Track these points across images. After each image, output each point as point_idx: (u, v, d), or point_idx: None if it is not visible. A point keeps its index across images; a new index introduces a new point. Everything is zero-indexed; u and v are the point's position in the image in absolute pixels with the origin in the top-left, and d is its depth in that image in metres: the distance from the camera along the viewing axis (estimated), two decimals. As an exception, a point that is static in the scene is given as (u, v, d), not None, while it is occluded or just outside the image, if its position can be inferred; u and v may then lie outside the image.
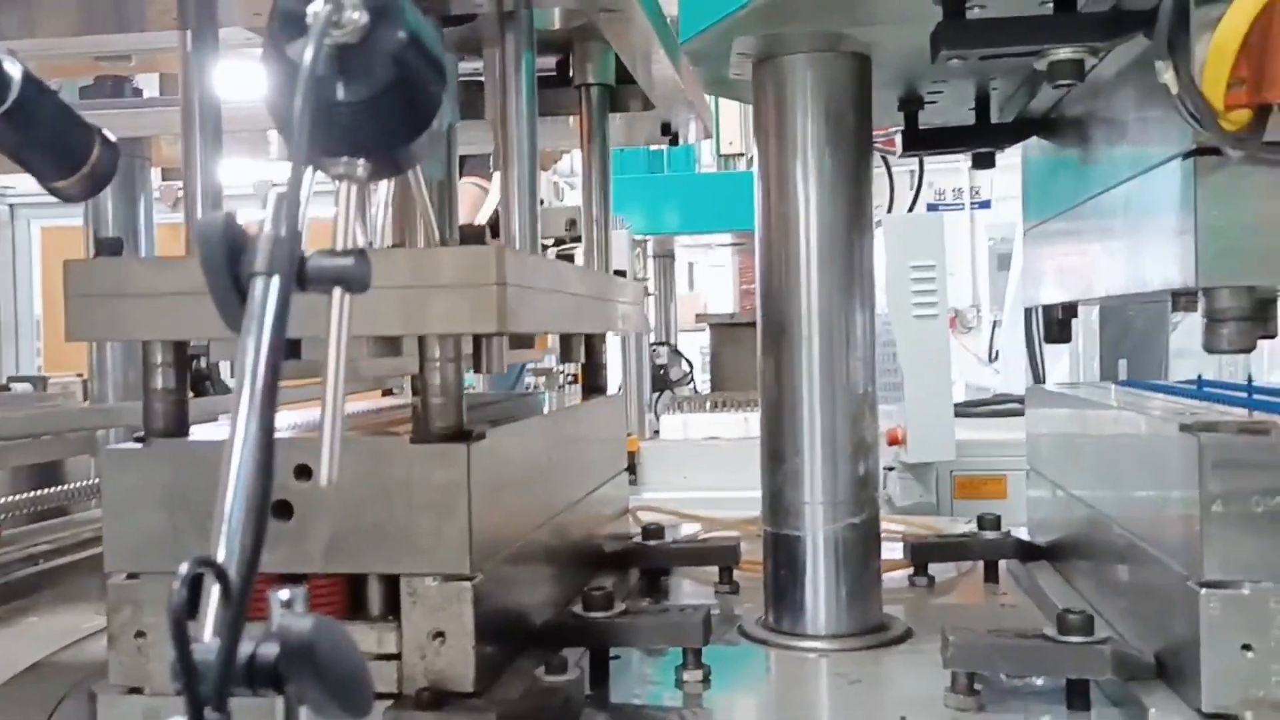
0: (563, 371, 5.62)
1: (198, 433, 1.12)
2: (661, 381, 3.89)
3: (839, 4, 1.19)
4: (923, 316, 2.82)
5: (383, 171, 0.62)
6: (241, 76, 1.79)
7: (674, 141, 2.07)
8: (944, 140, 1.68)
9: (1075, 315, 1.67)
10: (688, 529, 1.99)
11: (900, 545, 1.66)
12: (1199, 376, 1.49)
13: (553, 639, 1.17)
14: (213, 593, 0.51)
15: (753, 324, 1.42)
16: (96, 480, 1.59)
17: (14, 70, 0.96)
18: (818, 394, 1.33)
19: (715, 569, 1.62)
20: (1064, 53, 1.08)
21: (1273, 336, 1.40)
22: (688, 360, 4.18)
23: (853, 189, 1.35)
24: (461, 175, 1.96)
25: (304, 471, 1.01)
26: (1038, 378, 3.35)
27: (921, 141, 1.65)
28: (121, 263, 1.08)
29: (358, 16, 0.55)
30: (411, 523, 1.01)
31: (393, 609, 1.02)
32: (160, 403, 1.08)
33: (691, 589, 1.64)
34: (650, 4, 1.45)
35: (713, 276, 7.63)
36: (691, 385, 4.19)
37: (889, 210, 3.66)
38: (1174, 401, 1.31)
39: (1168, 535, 1.04)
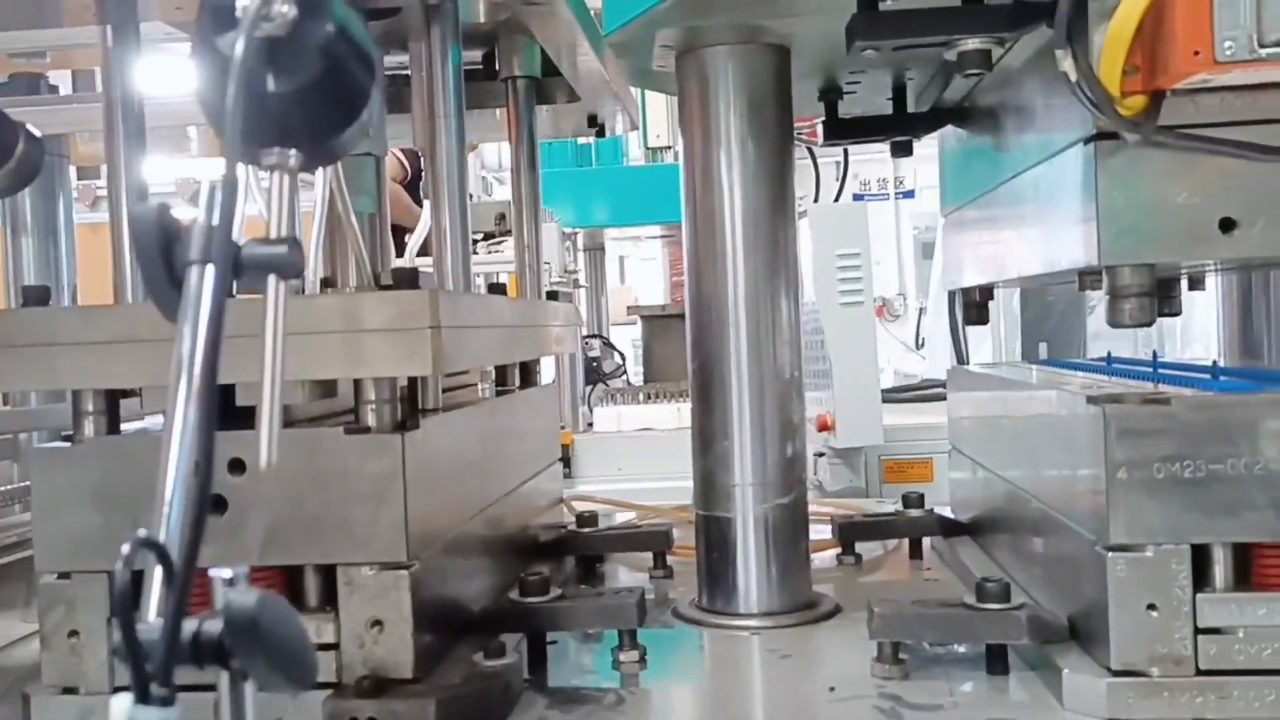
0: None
1: (128, 429, 1.12)
2: (594, 374, 3.91)
3: (758, -3, 1.22)
4: (849, 304, 2.88)
5: (314, 162, 0.63)
6: (162, 72, 1.78)
7: (601, 133, 2.09)
8: (863, 129, 1.72)
9: (992, 298, 1.73)
10: (622, 517, 2.02)
11: (828, 526, 1.70)
12: (1108, 354, 1.56)
13: (490, 625, 1.19)
14: (155, 575, 0.52)
15: (683, 315, 1.45)
16: (18, 485, 1.57)
17: (-68, 68, 0.95)
18: (745, 378, 1.37)
19: (649, 555, 1.65)
20: (972, 43, 1.12)
21: (1177, 314, 1.47)
22: (620, 353, 4.21)
23: (775, 177, 1.38)
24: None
25: (237, 465, 1.02)
26: (961, 360, 3.43)
27: (842, 131, 1.70)
28: (48, 312, 1.08)
29: (286, 9, 0.57)
30: (347, 513, 1.02)
31: (330, 599, 1.03)
32: None
33: (626, 575, 1.66)
34: (574, -3, 1.47)
35: (643, 269, 7.67)
36: (624, 377, 4.21)
37: (815, 200, 3.71)
38: (1084, 377, 1.37)
39: (1077, 504, 1.09)
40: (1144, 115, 0.95)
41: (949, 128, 1.71)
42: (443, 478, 1.17)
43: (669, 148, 4.20)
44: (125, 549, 0.48)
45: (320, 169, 1.09)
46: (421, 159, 1.47)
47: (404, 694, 1.00)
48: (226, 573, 0.53)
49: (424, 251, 3.11)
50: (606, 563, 1.70)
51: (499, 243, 3.43)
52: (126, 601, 0.47)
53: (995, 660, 1.13)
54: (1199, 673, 0.97)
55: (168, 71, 1.87)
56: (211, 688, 0.54)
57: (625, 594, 1.23)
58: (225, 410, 0.57)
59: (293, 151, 0.63)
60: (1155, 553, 0.98)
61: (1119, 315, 1.03)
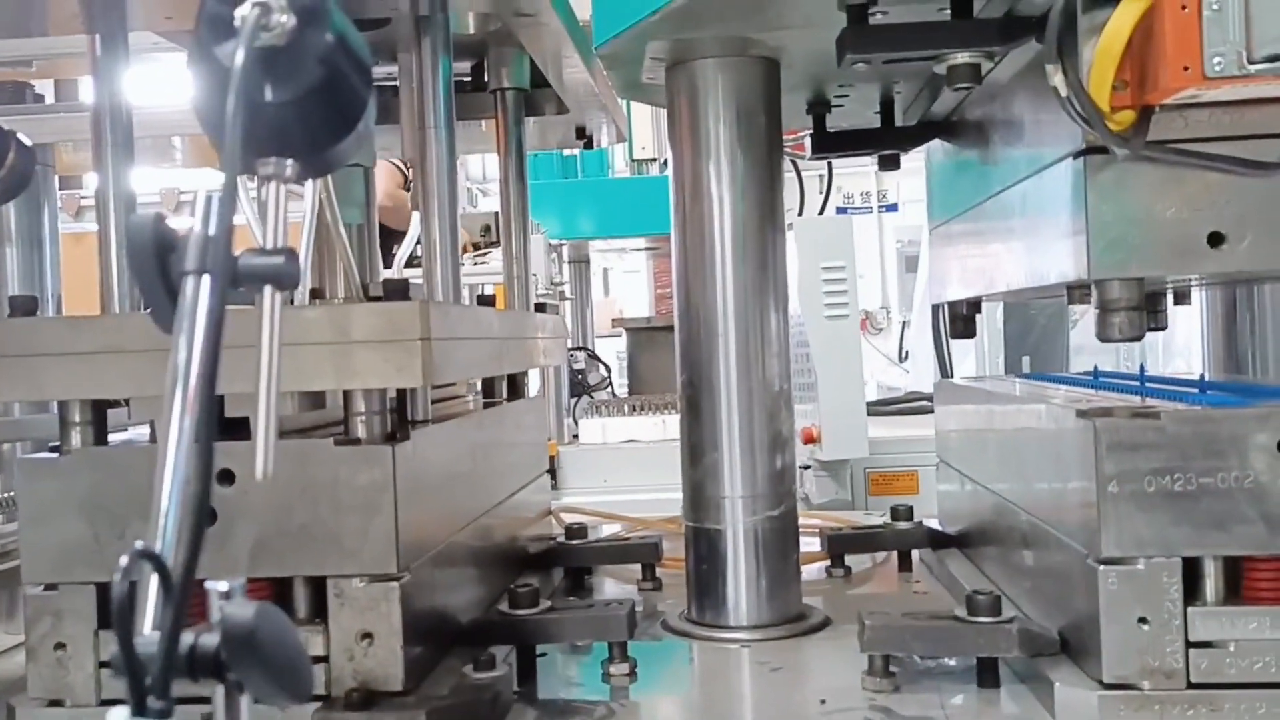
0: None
1: (116, 440, 1.11)
2: (579, 386, 3.91)
3: (748, 9, 1.23)
4: (834, 317, 2.89)
5: (310, 172, 0.63)
6: (147, 81, 1.77)
7: (589, 145, 2.09)
8: (851, 143, 1.73)
9: (979, 311, 1.73)
10: (609, 529, 2.01)
11: (817, 538, 1.71)
12: (1095, 367, 1.56)
13: (480, 637, 1.19)
14: (151, 587, 0.51)
15: (669, 328, 1.45)
16: (3, 495, 1.55)
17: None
18: (735, 390, 1.37)
19: (638, 566, 1.64)
20: (962, 57, 1.13)
21: (1163, 328, 1.48)
22: (605, 365, 4.21)
23: (765, 189, 1.39)
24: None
25: (227, 476, 1.01)
26: (945, 373, 3.45)
27: (830, 144, 1.70)
28: (35, 323, 1.07)
29: (285, 19, 0.57)
30: (337, 524, 1.02)
31: (319, 611, 1.03)
32: None
33: (615, 587, 1.66)
34: (564, 8, 1.47)
35: (628, 281, 7.67)
36: (609, 389, 4.21)
37: (799, 213, 3.72)
38: (1072, 391, 1.38)
39: (1068, 517, 1.10)
40: (1133, 130, 0.95)
41: (936, 141, 1.72)
42: (432, 489, 1.17)
43: (654, 160, 4.21)
44: (123, 560, 0.47)
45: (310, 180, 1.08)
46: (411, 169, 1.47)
47: (394, 706, 1.00)
48: (223, 585, 0.52)
49: (410, 263, 3.11)
50: (595, 574, 1.69)
51: (485, 254, 3.43)
52: (125, 614, 0.47)
53: (986, 673, 1.13)
54: (1190, 686, 0.97)
55: (153, 80, 1.86)
56: (205, 700, 0.54)
57: (615, 606, 1.23)
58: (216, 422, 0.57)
59: (289, 161, 0.63)
60: (1146, 566, 0.98)
61: (1108, 330, 1.04)
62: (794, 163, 3.51)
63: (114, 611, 0.46)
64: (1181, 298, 1.54)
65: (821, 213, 3.89)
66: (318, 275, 1.39)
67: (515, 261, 1.73)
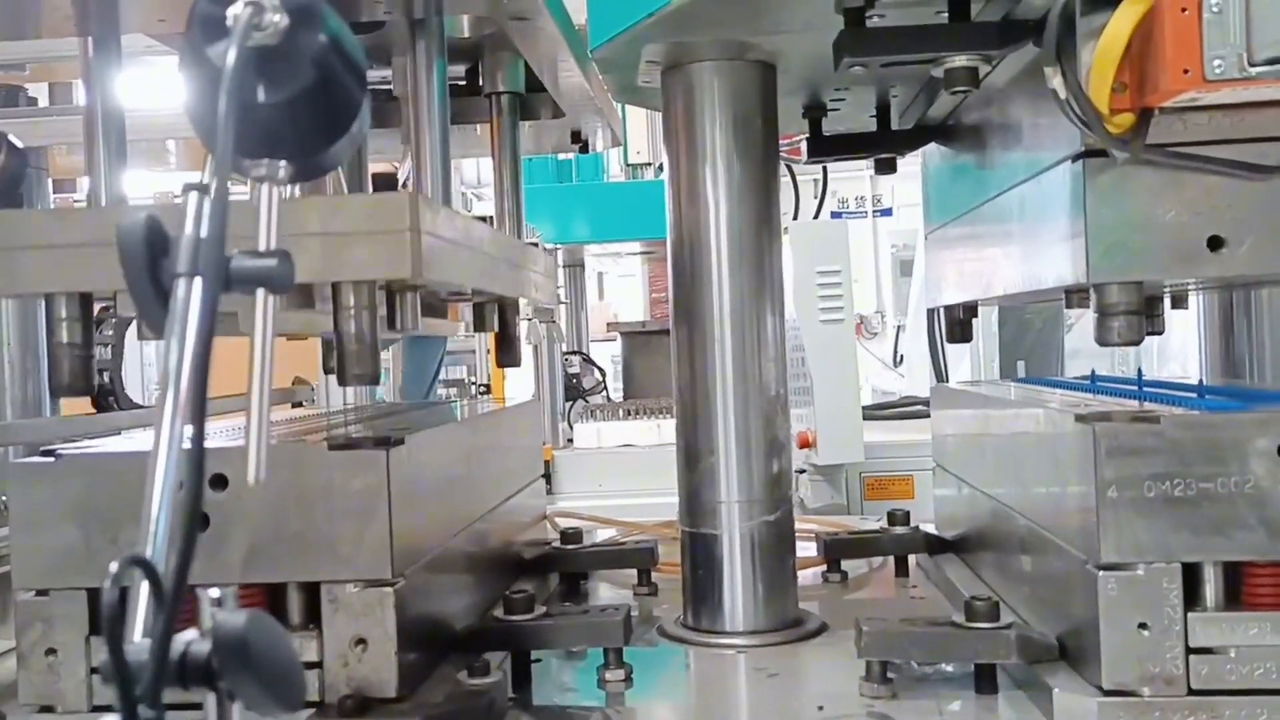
0: (474, 383, 5.59)
1: (108, 445, 1.10)
2: (574, 390, 3.90)
3: (745, 13, 1.22)
4: (829, 321, 2.88)
5: (303, 174, 0.62)
6: (142, 84, 1.76)
7: (584, 149, 2.08)
8: (847, 146, 1.73)
9: (976, 315, 1.73)
10: (604, 534, 2.00)
11: (814, 543, 1.70)
12: (1092, 372, 1.56)
13: (475, 643, 1.18)
14: (142, 594, 0.51)
15: (663, 332, 1.45)
16: (-7, 501, 1.54)
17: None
18: (731, 394, 1.36)
19: (634, 571, 1.64)
20: (959, 60, 1.12)
21: (1161, 332, 1.48)
22: (600, 369, 4.20)
23: (761, 193, 1.38)
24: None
25: (220, 481, 1.00)
26: (941, 378, 3.45)
27: (826, 148, 1.70)
28: (20, 214, 1.05)
29: (278, 19, 0.56)
30: (331, 530, 1.01)
31: (313, 617, 1.02)
32: (66, 358, 1.05)
33: (610, 592, 1.65)
34: (559, 12, 1.46)
35: (622, 285, 7.67)
36: (604, 394, 4.20)
37: (794, 217, 3.72)
38: (1070, 395, 1.37)
39: (1067, 522, 1.09)
40: (1133, 133, 0.95)
41: (932, 145, 1.72)
42: (428, 493, 1.16)
43: (649, 164, 4.20)
44: (114, 567, 0.46)
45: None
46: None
47: (388, 713, 0.99)
48: (214, 592, 0.51)
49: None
50: (590, 580, 1.68)
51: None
52: (115, 621, 0.46)
53: (984, 679, 1.12)
54: (1190, 692, 0.96)
55: (147, 83, 1.85)
56: (196, 707, 0.53)
57: (611, 612, 1.22)
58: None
59: (282, 163, 0.62)
60: (1146, 571, 0.98)
61: (1107, 334, 1.03)
62: (789, 167, 3.51)
63: (104, 619, 0.45)
64: (1179, 301, 1.54)
65: (816, 217, 3.89)
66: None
67: (511, 265, 1.72)
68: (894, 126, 1.70)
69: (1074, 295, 1.26)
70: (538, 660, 1.24)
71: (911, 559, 1.69)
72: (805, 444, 2.87)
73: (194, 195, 0.56)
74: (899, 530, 1.69)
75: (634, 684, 1.20)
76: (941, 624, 1.14)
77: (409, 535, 1.06)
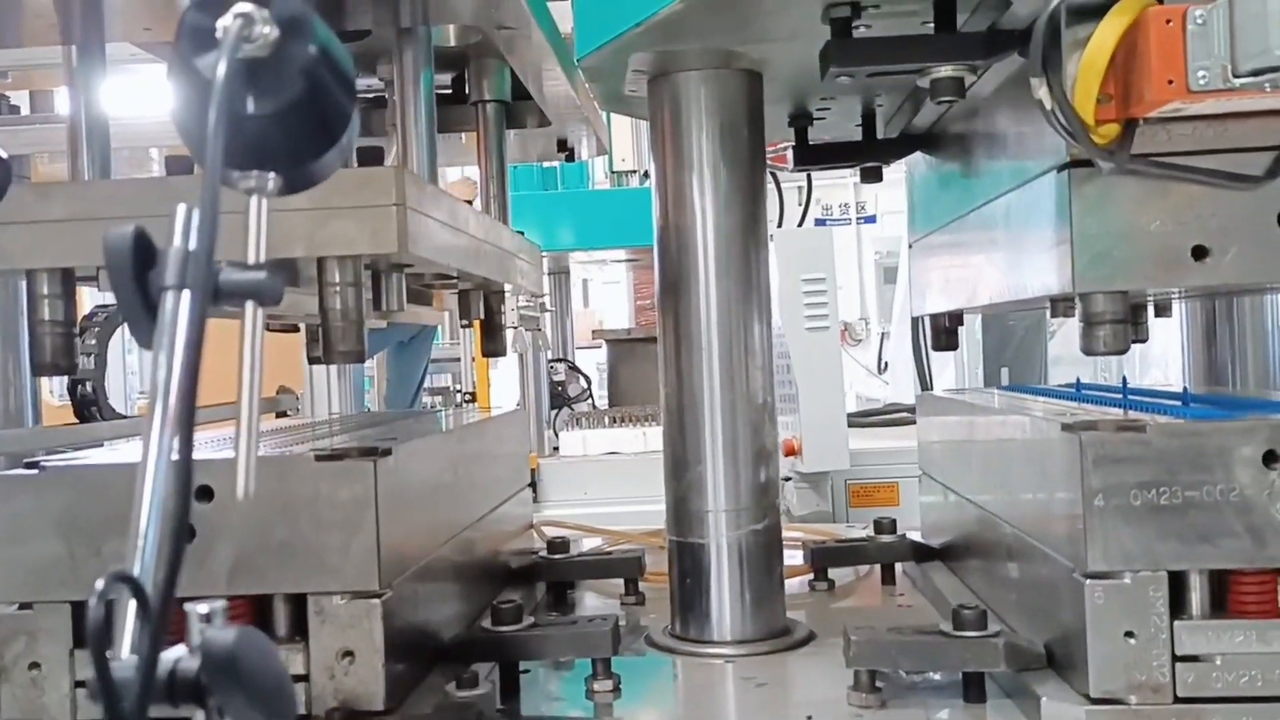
0: (459, 390, 5.57)
1: (92, 456, 1.10)
2: (560, 398, 3.90)
3: (731, 22, 1.22)
4: (815, 329, 2.88)
5: (292, 185, 0.62)
6: (126, 93, 1.75)
7: (570, 158, 2.08)
8: (833, 155, 1.73)
9: (961, 323, 1.73)
10: (591, 542, 2.00)
11: (800, 551, 1.70)
12: (1077, 380, 1.57)
13: (462, 654, 1.17)
14: (128, 610, 0.50)
15: (649, 339, 1.45)
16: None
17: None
18: (719, 403, 1.36)
19: (621, 581, 1.63)
20: (945, 70, 1.13)
21: (1145, 340, 1.49)
22: (585, 376, 4.19)
23: (748, 202, 1.38)
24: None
25: (205, 493, 0.99)
26: (925, 385, 3.46)
27: (812, 156, 1.70)
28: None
29: (268, 30, 0.56)
30: (318, 541, 1.00)
31: (299, 629, 1.01)
32: (48, 336, 1.04)
33: (597, 602, 1.64)
34: (546, 21, 1.47)
35: (608, 293, 7.67)
36: (589, 401, 4.20)
37: (779, 225, 3.73)
38: (1055, 404, 1.38)
39: (1054, 530, 1.09)
40: (1118, 143, 0.95)
41: (918, 154, 1.72)
42: (415, 503, 1.16)
43: (634, 171, 4.21)
44: (99, 583, 0.46)
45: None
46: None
47: (376, 727, 0.98)
48: (203, 608, 0.51)
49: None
50: (577, 589, 1.68)
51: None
52: (100, 637, 0.45)
53: (972, 688, 1.12)
54: (1177, 700, 0.97)
55: (131, 92, 1.85)
56: (184, 725, 0.52)
57: (599, 622, 1.22)
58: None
59: (271, 175, 0.61)
60: (1133, 580, 0.98)
61: (1093, 342, 1.04)
62: (774, 175, 3.51)
63: (89, 636, 0.45)
64: (1162, 310, 1.55)
65: (801, 224, 3.90)
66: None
67: (497, 273, 1.71)
68: (880, 135, 1.71)
69: (1059, 304, 1.27)
70: (526, 671, 1.24)
71: (898, 567, 1.69)
72: (791, 452, 2.87)
73: (182, 207, 0.56)
74: (885, 538, 1.69)
75: (622, 694, 1.19)
76: (929, 632, 1.14)
77: (396, 546, 1.06)
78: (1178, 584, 0.99)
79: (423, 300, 1.55)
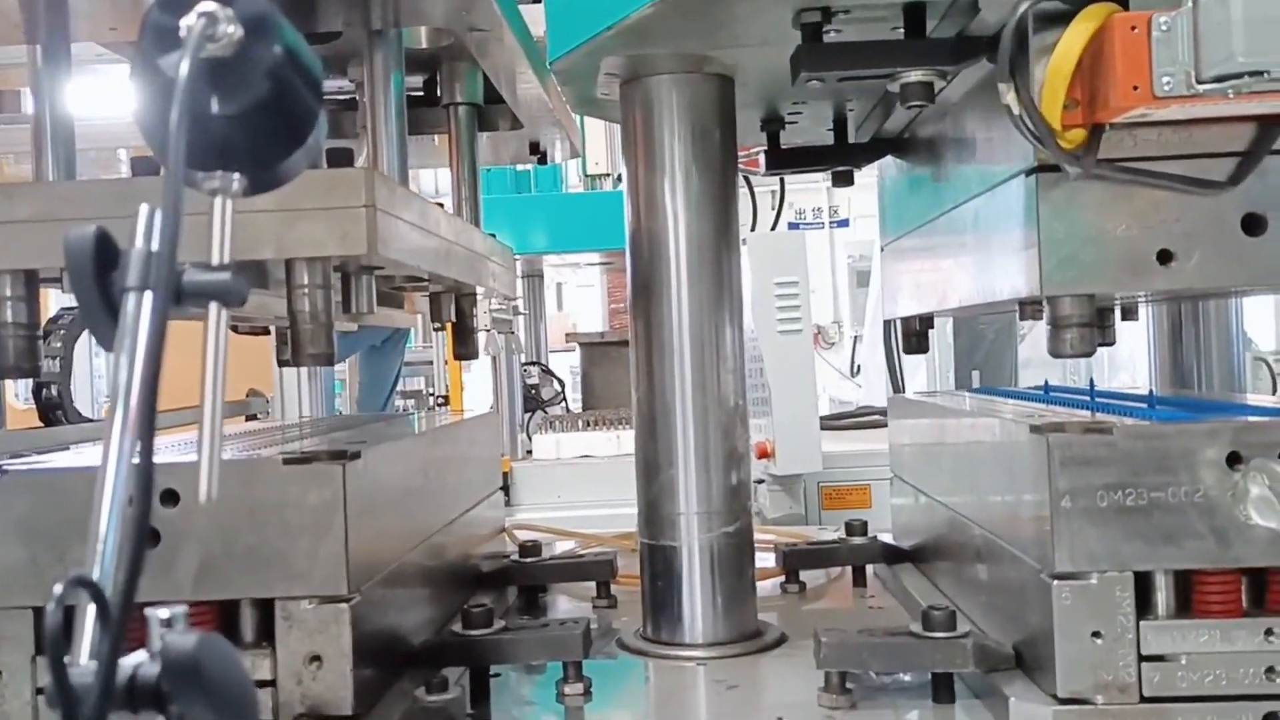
0: (432, 394, 5.54)
1: (55, 461, 1.08)
2: (533, 401, 3.89)
3: (703, 26, 1.23)
4: (787, 332, 2.89)
5: (258, 186, 0.61)
6: (92, 93, 1.74)
7: (542, 161, 2.08)
8: (805, 159, 1.74)
9: (932, 326, 1.74)
10: (564, 545, 2.00)
11: (772, 553, 1.70)
12: (1045, 383, 1.58)
13: (432, 659, 1.17)
14: (88, 615, 0.50)
15: (622, 342, 1.44)
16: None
17: None
18: (690, 406, 1.36)
19: (593, 584, 1.63)
20: (915, 75, 1.14)
21: (1112, 344, 1.50)
22: (559, 379, 4.19)
23: (720, 206, 1.38)
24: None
25: (170, 496, 0.98)
26: (897, 388, 3.47)
27: (784, 160, 1.71)
28: None
29: (232, 30, 0.55)
30: (286, 545, 1.00)
31: (266, 634, 1.00)
32: (11, 338, 1.03)
33: (570, 605, 1.64)
34: (518, 23, 1.46)
35: (581, 296, 7.67)
36: (563, 404, 4.19)
37: (752, 229, 3.74)
38: (1024, 406, 1.39)
39: (1022, 531, 1.10)
40: (1084, 148, 0.96)
41: (889, 158, 1.73)
42: (384, 507, 1.15)
43: (607, 175, 4.21)
44: (58, 588, 0.45)
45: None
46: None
47: (343, 732, 0.97)
48: (164, 612, 0.50)
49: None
50: (549, 593, 1.68)
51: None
52: (58, 643, 0.45)
53: (941, 689, 1.13)
54: (1143, 700, 0.98)
55: (97, 92, 1.83)
56: (146, 732, 0.52)
57: (571, 625, 1.21)
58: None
59: (236, 175, 0.61)
60: (1099, 580, 0.99)
61: (1060, 345, 1.05)
62: (746, 179, 3.52)
63: (47, 641, 0.44)
64: (1129, 313, 1.56)
65: (774, 228, 3.91)
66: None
67: (468, 276, 1.71)
68: (851, 140, 1.71)
69: (1027, 307, 1.28)
70: (497, 675, 1.23)
71: (869, 569, 1.70)
72: (764, 454, 2.87)
73: (144, 208, 0.55)
74: (856, 541, 1.70)
75: (593, 697, 1.19)
76: (899, 634, 1.14)
77: (364, 550, 1.05)
78: (1144, 585, 0.99)
79: (394, 303, 1.54)
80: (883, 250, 1.85)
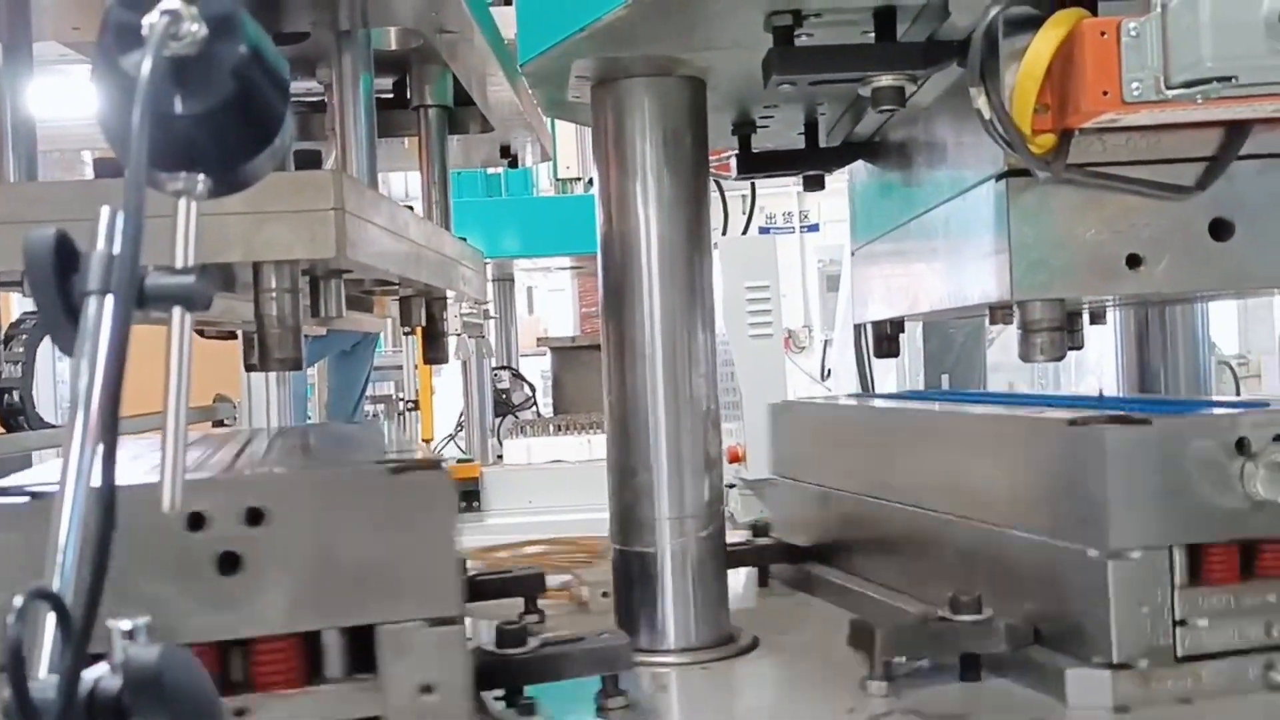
0: (402, 399, 5.51)
1: (16, 480, 1.06)
2: (504, 406, 3.87)
3: (675, 29, 1.22)
4: (758, 336, 2.89)
5: (223, 188, 0.60)
6: (55, 94, 1.71)
7: (513, 164, 2.07)
8: (776, 163, 1.74)
9: (902, 330, 1.75)
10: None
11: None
12: (1008, 386, 1.58)
13: (479, 679, 1.10)
14: (48, 629, 0.48)
15: (594, 347, 1.44)
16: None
17: None
18: (663, 410, 1.35)
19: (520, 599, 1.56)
20: (886, 79, 1.14)
21: (1080, 347, 1.51)
22: (530, 384, 4.17)
23: (691, 209, 1.38)
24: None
25: (255, 515, 0.92)
26: (867, 391, 3.49)
27: (755, 164, 1.71)
28: None
29: (196, 28, 0.54)
30: (393, 563, 0.94)
31: (359, 665, 0.95)
32: None
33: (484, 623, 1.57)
34: (489, 26, 1.45)
35: (552, 300, 7.66)
36: (534, 409, 4.18)
37: (723, 233, 3.75)
38: (994, 409, 1.39)
39: (1058, 518, 1.11)
40: (1054, 153, 0.97)
41: (860, 163, 1.74)
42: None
43: (578, 179, 4.20)
44: (18, 600, 0.44)
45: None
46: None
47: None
48: (125, 624, 0.49)
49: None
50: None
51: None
52: (18, 656, 0.44)
53: (969, 669, 1.15)
54: (1177, 660, 1.04)
55: (60, 93, 1.80)
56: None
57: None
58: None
59: (200, 176, 0.60)
60: (1143, 555, 1.03)
61: (1030, 350, 1.05)
62: (718, 183, 3.53)
63: (6, 653, 0.43)
64: (1097, 318, 1.57)
65: (745, 233, 3.92)
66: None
67: (439, 280, 1.70)
68: (822, 144, 1.72)
69: (997, 311, 1.28)
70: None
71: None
72: (735, 458, 2.87)
73: (106, 209, 0.54)
74: (762, 541, 1.71)
75: (565, 707, 1.18)
76: (933, 620, 1.15)
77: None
78: (1172, 559, 1.04)
79: (363, 307, 1.53)
80: (853, 255, 1.85)
